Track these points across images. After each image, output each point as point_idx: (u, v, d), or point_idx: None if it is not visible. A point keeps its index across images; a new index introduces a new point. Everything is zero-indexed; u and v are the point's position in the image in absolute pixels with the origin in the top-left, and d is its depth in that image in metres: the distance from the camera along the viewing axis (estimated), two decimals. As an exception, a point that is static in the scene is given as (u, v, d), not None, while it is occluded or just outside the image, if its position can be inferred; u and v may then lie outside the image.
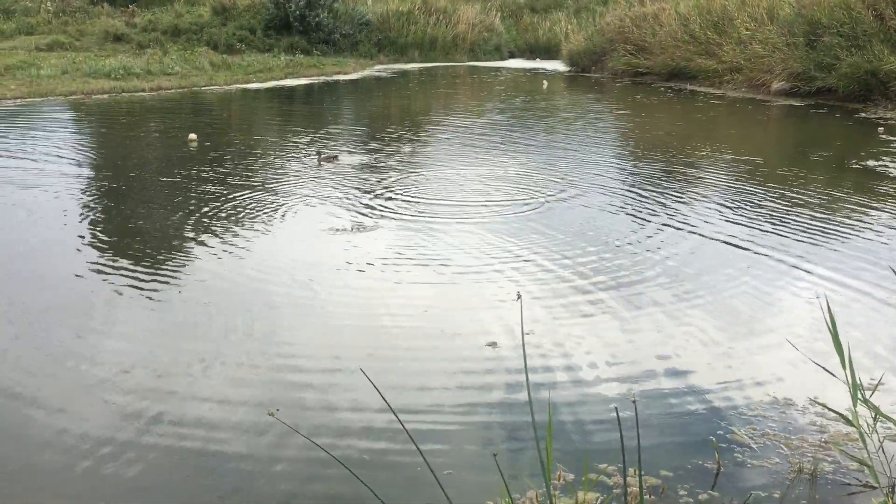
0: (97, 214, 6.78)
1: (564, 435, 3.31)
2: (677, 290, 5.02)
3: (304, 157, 9.56)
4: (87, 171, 8.76)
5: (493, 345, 4.18)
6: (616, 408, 2.27)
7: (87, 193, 7.70)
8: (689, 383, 3.78)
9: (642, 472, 2.52)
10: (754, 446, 3.22)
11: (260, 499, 2.89)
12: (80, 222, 6.53)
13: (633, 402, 2.67)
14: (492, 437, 3.32)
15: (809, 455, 3.15)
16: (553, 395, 3.62)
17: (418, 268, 5.45)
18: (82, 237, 6.13)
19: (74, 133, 11.72)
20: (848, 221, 6.65)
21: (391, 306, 4.75)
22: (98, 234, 6.24)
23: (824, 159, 9.69)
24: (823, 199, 7.45)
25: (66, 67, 18.26)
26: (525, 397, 3.58)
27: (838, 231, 6.36)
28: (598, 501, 2.85)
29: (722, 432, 3.32)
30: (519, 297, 2.13)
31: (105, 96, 15.87)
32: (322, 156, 9.32)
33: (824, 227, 6.45)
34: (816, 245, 5.99)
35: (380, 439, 3.28)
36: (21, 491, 2.92)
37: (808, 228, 6.42)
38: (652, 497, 2.88)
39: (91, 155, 9.87)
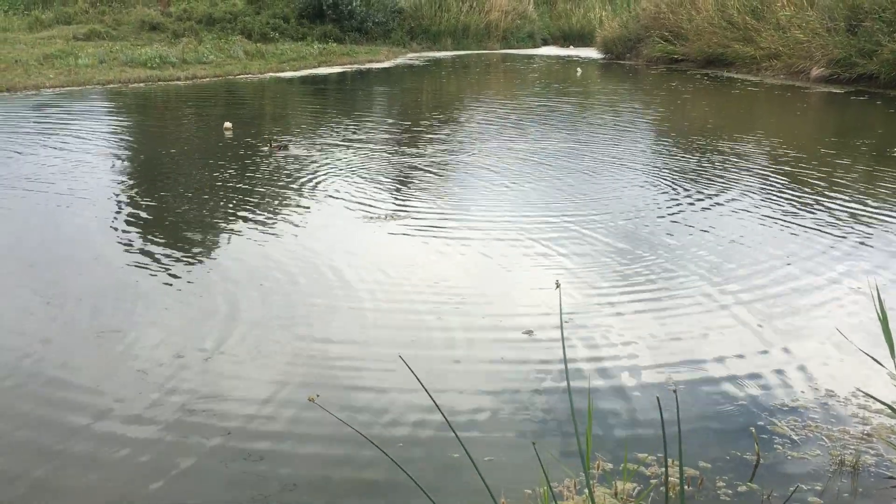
0: (136, 201, 6.87)
1: (603, 424, 3.29)
2: (717, 278, 4.97)
3: (340, 143, 9.58)
4: (124, 159, 8.87)
5: (529, 333, 4.17)
6: (658, 397, 2.25)
7: (126, 181, 7.80)
8: (728, 373, 3.74)
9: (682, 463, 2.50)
10: (795, 438, 3.18)
11: (298, 482, 2.91)
12: (119, 209, 6.62)
13: (674, 391, 2.65)
14: (530, 424, 3.32)
15: (852, 447, 3.10)
16: (592, 383, 3.60)
17: (454, 255, 5.44)
18: (121, 224, 6.21)
19: (112, 121, 11.86)
20: (891, 210, 6.52)
21: (428, 293, 4.75)
22: (137, 220, 6.31)
23: (865, 147, 9.51)
24: (865, 188, 7.32)
25: (103, 57, 18.46)
26: (563, 385, 3.57)
27: (881, 220, 6.25)
28: (636, 491, 2.83)
29: (762, 423, 3.29)
30: (558, 285, 2.12)
31: (141, 85, 16.04)
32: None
33: (866, 216, 6.34)
34: (858, 234, 5.89)
35: (417, 425, 3.29)
36: (61, 474, 2.97)
37: (850, 217, 6.32)
38: (690, 488, 2.86)
39: (129, 143, 9.98)
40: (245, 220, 6.33)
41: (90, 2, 27.01)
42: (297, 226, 6.19)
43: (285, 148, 9.27)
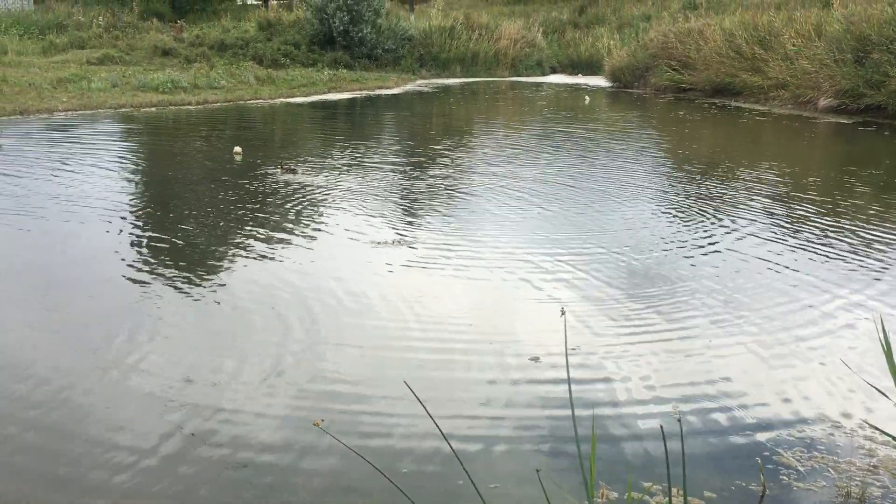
0: (146, 225, 6.92)
1: (608, 452, 3.29)
2: (723, 308, 4.97)
3: (346, 169, 9.65)
4: (134, 182, 8.95)
5: (536, 359, 4.17)
6: (661, 426, 2.26)
7: (136, 204, 7.86)
8: (734, 403, 3.74)
9: (686, 493, 2.49)
10: (801, 469, 3.17)
11: (302, 509, 2.92)
12: (129, 232, 6.67)
13: (678, 419, 2.65)
14: (534, 452, 3.32)
15: (858, 479, 3.09)
16: (596, 411, 3.60)
17: (460, 281, 5.46)
18: (132, 247, 6.26)
19: (123, 145, 11.97)
20: (898, 241, 6.53)
21: (436, 319, 4.77)
22: (147, 243, 6.36)
23: (873, 178, 9.52)
24: (873, 218, 7.32)
25: (115, 81, 18.66)
26: (568, 413, 3.57)
27: (888, 250, 6.24)
28: (641, 520, 2.82)
29: (768, 453, 3.28)
30: (563, 312, 2.13)
31: (153, 109, 16.20)
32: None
33: (874, 246, 6.34)
34: (868, 263, 5.89)
35: (422, 452, 3.29)
36: (66, 499, 2.98)
37: (857, 247, 6.32)
38: (695, 518, 2.85)
39: (139, 166, 10.07)
40: (255, 244, 6.37)
41: (104, 27, 27.35)
42: (306, 250, 6.22)
43: (293, 171, 9.36)
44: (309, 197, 8.13)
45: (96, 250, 6.20)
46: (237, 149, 10.74)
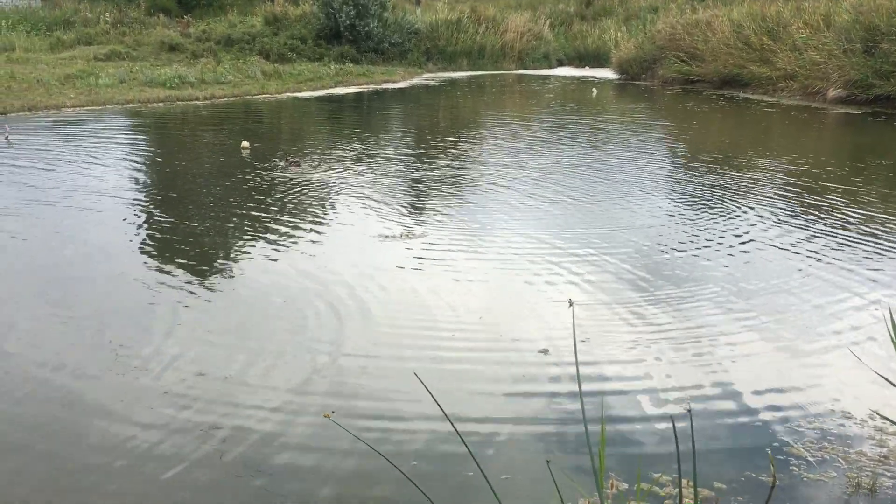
0: (154, 220, 6.94)
1: (618, 443, 3.29)
2: (733, 298, 4.96)
3: (354, 163, 9.66)
4: (143, 178, 8.96)
5: (545, 351, 4.17)
6: (672, 417, 2.26)
7: (144, 199, 7.88)
8: (744, 393, 3.73)
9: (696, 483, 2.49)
10: (811, 459, 3.17)
11: (312, 498, 2.92)
12: (138, 228, 6.69)
13: (688, 410, 2.65)
14: (544, 443, 3.32)
15: (868, 469, 3.08)
16: (606, 402, 3.60)
17: (469, 274, 5.46)
18: (138, 242, 6.28)
19: (131, 141, 11.99)
20: (908, 232, 6.50)
21: (445, 312, 4.77)
22: (155, 239, 6.38)
23: (882, 168, 9.48)
24: (881, 209, 7.29)
25: (123, 77, 18.69)
26: (577, 404, 3.57)
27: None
28: (651, 511, 2.82)
29: (778, 444, 3.28)
30: (571, 304, 2.13)
31: (160, 105, 16.22)
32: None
33: (883, 237, 6.31)
34: (876, 254, 5.87)
35: (432, 443, 3.30)
36: (78, 490, 3.00)
37: (867, 238, 6.29)
38: (705, 508, 2.85)
39: (147, 162, 10.09)
40: (263, 238, 6.38)
41: (111, 23, 27.39)
42: (314, 244, 6.23)
43: (297, 164, 9.39)
44: (317, 191, 8.13)
45: (106, 245, 6.22)
46: (245, 143, 10.75)
